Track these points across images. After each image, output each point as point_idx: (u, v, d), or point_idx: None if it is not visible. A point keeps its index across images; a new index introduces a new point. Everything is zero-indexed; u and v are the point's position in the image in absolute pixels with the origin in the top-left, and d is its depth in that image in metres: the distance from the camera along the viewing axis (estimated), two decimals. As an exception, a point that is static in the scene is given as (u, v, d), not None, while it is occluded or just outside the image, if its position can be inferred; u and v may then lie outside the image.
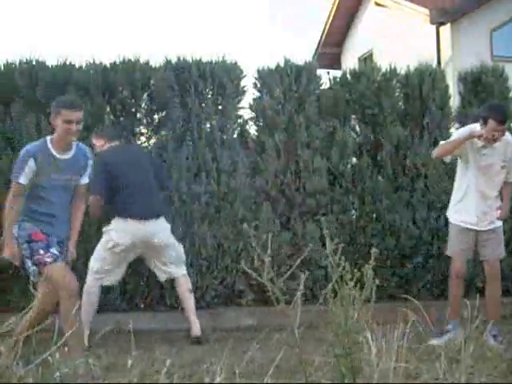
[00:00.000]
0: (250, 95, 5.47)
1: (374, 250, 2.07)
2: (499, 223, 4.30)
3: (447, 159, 4.52)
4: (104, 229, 4.46)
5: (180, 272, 4.55)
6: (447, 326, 4.15)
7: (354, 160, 5.49)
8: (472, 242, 4.28)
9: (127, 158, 4.53)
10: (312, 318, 3.15)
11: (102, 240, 4.45)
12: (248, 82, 5.47)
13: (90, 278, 4.42)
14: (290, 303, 2.14)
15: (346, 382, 1.86)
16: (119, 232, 4.36)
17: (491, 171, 4.21)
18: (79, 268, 4.99)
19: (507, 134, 4.19)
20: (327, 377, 2.07)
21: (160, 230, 4.44)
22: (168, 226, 4.54)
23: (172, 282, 4.93)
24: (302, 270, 2.54)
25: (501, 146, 4.16)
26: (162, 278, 4.64)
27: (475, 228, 4.25)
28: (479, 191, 4.24)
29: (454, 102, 5.78)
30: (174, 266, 4.54)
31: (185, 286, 4.51)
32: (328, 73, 5.82)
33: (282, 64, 5.41)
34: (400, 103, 5.59)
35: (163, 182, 4.69)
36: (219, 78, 5.27)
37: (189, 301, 4.48)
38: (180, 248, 4.61)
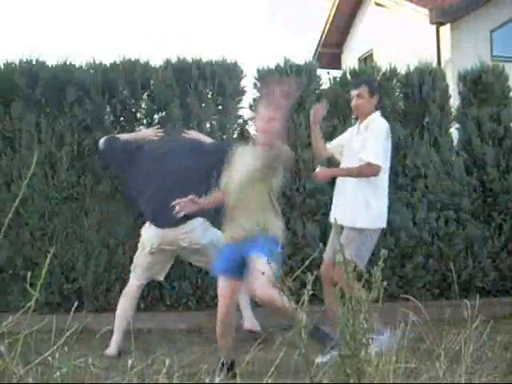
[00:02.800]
0: (250, 95, 5.48)
1: (383, 251, 2.06)
2: (347, 222, 3.92)
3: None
4: (142, 228, 4.31)
5: None
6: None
7: (354, 160, 5.48)
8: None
9: (157, 155, 4.17)
10: (313, 318, 3.15)
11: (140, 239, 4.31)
12: (248, 82, 5.48)
13: (131, 275, 4.32)
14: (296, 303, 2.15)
15: (351, 382, 1.86)
16: (147, 233, 4.21)
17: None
18: (79, 269, 5.02)
19: (376, 114, 4.06)
20: (330, 377, 2.07)
21: (187, 234, 4.11)
22: (201, 227, 4.16)
23: (172, 281, 4.92)
24: (304, 271, 2.54)
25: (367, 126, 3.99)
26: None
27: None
28: (337, 183, 4.16)
29: (454, 101, 5.78)
30: None
31: None
32: (328, 73, 5.80)
33: (281, 64, 5.41)
34: (400, 103, 5.59)
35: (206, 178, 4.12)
36: (219, 78, 5.27)
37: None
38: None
